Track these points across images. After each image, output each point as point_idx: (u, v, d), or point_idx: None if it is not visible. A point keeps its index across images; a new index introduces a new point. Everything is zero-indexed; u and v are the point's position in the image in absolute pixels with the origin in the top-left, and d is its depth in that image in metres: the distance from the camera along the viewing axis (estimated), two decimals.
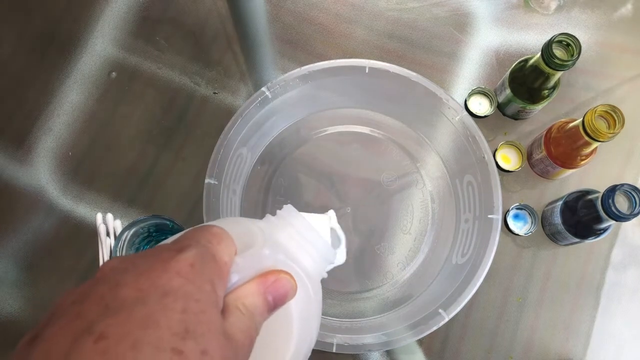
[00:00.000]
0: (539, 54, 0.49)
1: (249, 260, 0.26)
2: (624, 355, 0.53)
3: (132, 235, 0.47)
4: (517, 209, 0.56)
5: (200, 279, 0.22)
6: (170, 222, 0.49)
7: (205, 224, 0.27)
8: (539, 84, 0.52)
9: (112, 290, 0.21)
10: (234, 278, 0.25)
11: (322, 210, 0.52)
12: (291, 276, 0.26)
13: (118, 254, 0.47)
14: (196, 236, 0.25)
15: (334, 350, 0.46)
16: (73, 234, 0.57)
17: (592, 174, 0.57)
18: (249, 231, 0.29)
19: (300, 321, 0.27)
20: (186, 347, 0.19)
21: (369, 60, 0.52)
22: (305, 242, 0.30)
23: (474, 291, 0.47)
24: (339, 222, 0.37)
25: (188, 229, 0.26)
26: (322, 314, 0.53)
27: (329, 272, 0.32)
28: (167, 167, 0.59)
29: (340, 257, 0.35)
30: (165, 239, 0.28)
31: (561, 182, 0.57)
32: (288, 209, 0.32)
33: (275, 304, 0.25)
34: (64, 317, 0.20)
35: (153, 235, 0.48)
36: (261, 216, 0.35)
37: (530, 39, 0.62)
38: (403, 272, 0.55)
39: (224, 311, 0.23)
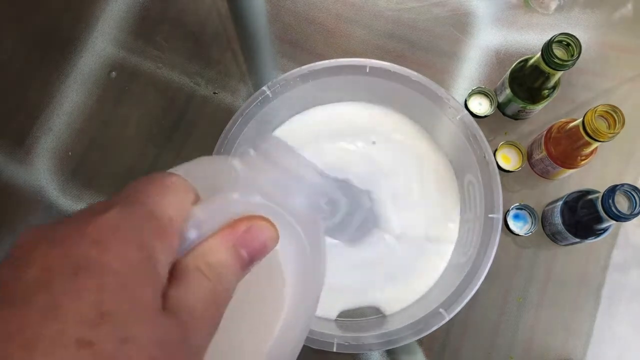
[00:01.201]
0: (539, 54, 0.49)
1: (212, 209, 0.21)
2: (624, 355, 0.53)
3: None
4: (517, 209, 0.56)
5: (126, 245, 0.18)
6: None
7: (157, 172, 0.22)
8: (539, 83, 0.52)
9: (15, 272, 0.17)
10: (192, 235, 0.20)
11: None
12: (269, 222, 0.21)
13: None
14: (131, 190, 0.20)
15: (334, 350, 0.46)
16: None
17: (592, 174, 0.57)
18: (220, 173, 0.23)
19: (293, 276, 0.22)
20: (99, 336, 0.15)
21: (370, 60, 0.52)
22: (292, 178, 0.23)
23: (474, 291, 0.47)
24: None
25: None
26: (323, 314, 0.53)
27: None
28: (167, 167, 0.59)
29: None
30: None
31: (561, 182, 0.57)
32: (269, 139, 0.25)
33: (251, 258, 0.21)
34: None
35: None
36: None
37: (530, 39, 0.62)
38: None
39: (178, 277, 0.19)
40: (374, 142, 0.56)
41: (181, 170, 0.23)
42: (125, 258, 0.17)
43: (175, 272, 0.19)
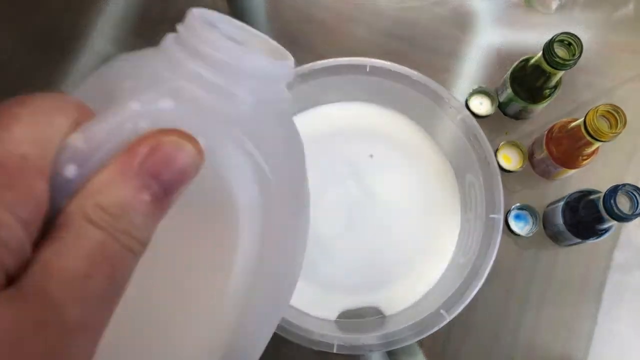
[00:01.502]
0: (540, 54, 0.49)
1: (99, 133, 0.14)
2: (626, 356, 0.53)
3: None
4: (518, 209, 0.56)
5: None
6: None
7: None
8: (540, 83, 0.52)
9: None
10: (71, 173, 0.14)
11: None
12: (184, 134, 0.15)
13: None
14: None
15: (334, 351, 0.45)
16: None
17: (594, 174, 0.57)
18: (134, 76, 0.17)
19: (248, 208, 0.16)
20: None
21: (370, 59, 0.52)
22: (226, 65, 0.16)
23: (475, 291, 0.47)
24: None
25: None
26: (323, 315, 0.53)
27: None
28: None
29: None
30: None
31: (562, 182, 0.57)
32: (189, 15, 0.18)
33: (165, 190, 0.15)
34: None
35: None
36: None
37: (531, 39, 0.62)
38: None
39: (52, 234, 0.14)
40: (375, 144, 0.56)
41: (84, 85, 0.16)
42: None
43: (50, 229, 0.14)
